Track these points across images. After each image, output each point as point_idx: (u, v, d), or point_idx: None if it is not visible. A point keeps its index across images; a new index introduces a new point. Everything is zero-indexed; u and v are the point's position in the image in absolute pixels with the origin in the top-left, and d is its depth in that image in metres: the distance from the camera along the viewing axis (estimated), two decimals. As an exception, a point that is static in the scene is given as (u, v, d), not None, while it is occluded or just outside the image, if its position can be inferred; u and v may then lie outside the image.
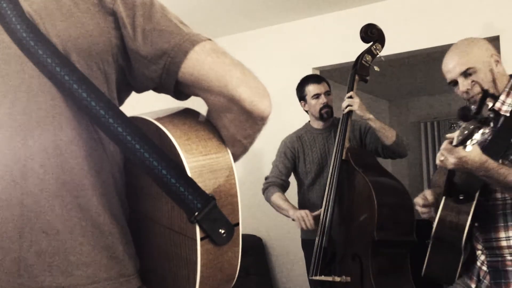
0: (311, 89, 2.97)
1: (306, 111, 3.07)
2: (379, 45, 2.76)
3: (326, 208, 2.58)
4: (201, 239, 0.84)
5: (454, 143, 1.57)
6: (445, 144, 1.62)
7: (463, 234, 1.76)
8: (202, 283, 0.86)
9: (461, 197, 1.77)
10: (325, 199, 2.62)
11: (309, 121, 3.09)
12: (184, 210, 0.84)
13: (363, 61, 2.73)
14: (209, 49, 0.89)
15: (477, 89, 1.82)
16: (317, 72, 4.03)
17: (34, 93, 0.87)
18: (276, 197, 2.91)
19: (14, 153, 0.85)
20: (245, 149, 0.97)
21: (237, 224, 0.90)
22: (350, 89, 2.73)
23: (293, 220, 2.78)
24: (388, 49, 2.85)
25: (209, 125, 0.93)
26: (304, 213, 2.69)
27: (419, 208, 2.02)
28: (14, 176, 0.84)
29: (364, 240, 2.46)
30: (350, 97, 2.68)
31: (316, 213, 2.67)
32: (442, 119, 6.72)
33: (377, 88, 5.94)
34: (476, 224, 1.78)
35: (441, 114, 6.72)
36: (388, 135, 2.71)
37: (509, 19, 3.31)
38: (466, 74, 1.82)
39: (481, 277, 1.86)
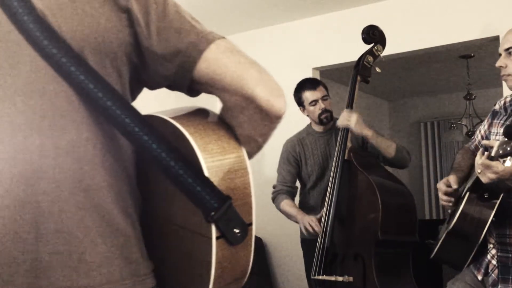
0: (308, 95, 2.94)
1: (307, 115, 3.05)
2: (381, 47, 2.77)
3: (328, 208, 2.58)
4: (217, 238, 0.84)
5: (493, 154, 1.56)
6: (483, 159, 1.60)
7: (482, 230, 1.77)
8: (215, 282, 0.86)
9: (486, 195, 1.78)
10: (327, 199, 2.61)
11: (310, 124, 3.07)
12: (200, 209, 0.83)
13: (364, 62, 2.73)
14: (224, 48, 0.89)
15: (509, 70, 1.82)
16: (317, 72, 4.03)
17: (48, 93, 0.86)
18: (284, 204, 2.92)
19: (28, 153, 0.84)
20: (259, 148, 0.97)
21: (251, 224, 0.90)
22: (352, 89, 2.73)
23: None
24: (388, 49, 2.86)
25: (224, 124, 0.93)
26: (310, 220, 2.68)
27: (440, 194, 2.00)
28: (29, 177, 0.83)
29: (367, 240, 2.46)
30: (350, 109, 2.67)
31: (320, 215, 2.68)
32: (442, 119, 6.73)
33: (377, 88, 5.95)
34: (493, 219, 1.79)
35: (441, 114, 6.73)
36: (388, 150, 2.70)
37: (509, 19, 3.32)
38: (508, 51, 1.83)
39: (489, 270, 1.86)
